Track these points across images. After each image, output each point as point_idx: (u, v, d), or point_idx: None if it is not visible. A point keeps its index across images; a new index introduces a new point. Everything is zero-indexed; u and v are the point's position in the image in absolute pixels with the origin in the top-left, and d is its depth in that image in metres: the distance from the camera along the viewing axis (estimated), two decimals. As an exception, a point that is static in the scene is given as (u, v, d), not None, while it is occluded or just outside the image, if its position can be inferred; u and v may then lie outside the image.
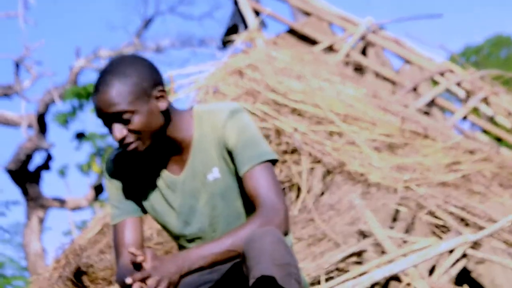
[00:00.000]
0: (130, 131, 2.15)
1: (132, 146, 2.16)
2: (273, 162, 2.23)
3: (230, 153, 2.22)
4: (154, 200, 2.31)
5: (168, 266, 2.04)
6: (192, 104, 2.35)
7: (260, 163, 2.18)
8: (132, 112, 2.13)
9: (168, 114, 2.20)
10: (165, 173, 2.27)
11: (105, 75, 2.14)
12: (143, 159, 2.28)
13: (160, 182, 2.29)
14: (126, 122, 2.14)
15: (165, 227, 2.36)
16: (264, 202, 2.14)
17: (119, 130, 2.15)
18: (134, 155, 2.27)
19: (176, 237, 2.34)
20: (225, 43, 5.77)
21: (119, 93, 2.12)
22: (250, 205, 2.22)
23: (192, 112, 2.26)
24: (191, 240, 2.31)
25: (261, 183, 2.16)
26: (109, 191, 2.32)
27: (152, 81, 2.16)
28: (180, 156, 2.26)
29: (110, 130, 2.18)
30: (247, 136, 2.20)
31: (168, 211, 2.30)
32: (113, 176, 2.31)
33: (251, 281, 1.96)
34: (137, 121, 2.14)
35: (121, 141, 2.16)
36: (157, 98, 2.17)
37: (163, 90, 2.18)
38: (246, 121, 2.22)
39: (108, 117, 2.15)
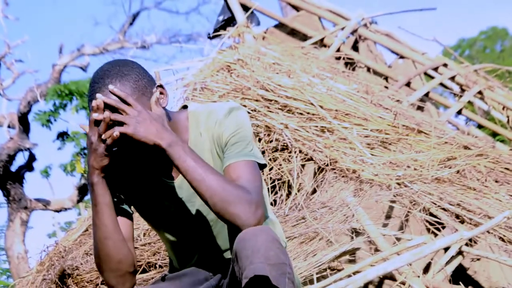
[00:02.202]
0: None
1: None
2: (261, 167, 2.16)
3: (222, 150, 2.16)
4: (146, 205, 2.24)
5: (155, 124, 2.00)
6: (183, 104, 2.26)
7: (246, 160, 2.10)
8: None
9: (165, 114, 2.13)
10: (159, 177, 2.20)
11: (102, 79, 2.05)
12: (136, 162, 2.19)
13: (153, 187, 2.21)
14: None
15: (159, 232, 2.30)
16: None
17: None
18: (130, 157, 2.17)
19: (171, 242, 2.27)
20: (214, 37, 5.67)
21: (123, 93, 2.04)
22: None
23: (187, 114, 2.20)
24: (187, 244, 2.25)
25: (240, 175, 2.09)
26: None
27: (149, 79, 2.11)
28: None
29: None
30: (241, 133, 2.14)
31: (162, 216, 2.24)
32: None
33: (244, 281, 1.90)
34: None
35: None
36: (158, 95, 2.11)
37: (161, 86, 2.13)
38: (243, 119, 2.16)
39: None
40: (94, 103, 2.01)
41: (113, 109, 2.02)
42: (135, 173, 2.21)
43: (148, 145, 2.02)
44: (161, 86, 2.13)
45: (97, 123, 2.02)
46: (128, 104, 2.02)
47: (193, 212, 2.20)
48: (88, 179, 2.09)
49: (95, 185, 2.07)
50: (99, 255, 2.12)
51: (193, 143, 2.17)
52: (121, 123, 2.01)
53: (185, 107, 2.25)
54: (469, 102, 6.13)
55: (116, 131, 1.99)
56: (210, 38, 5.51)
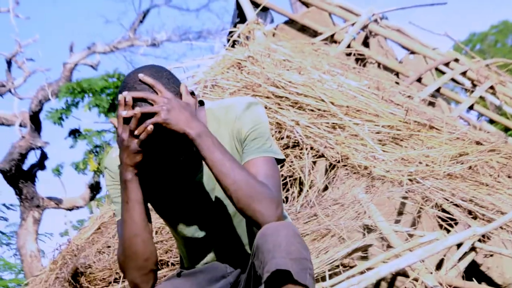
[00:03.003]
0: None
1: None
2: (279, 162, 2.16)
3: (241, 145, 2.16)
4: (163, 200, 2.24)
5: (184, 112, 2.00)
6: (199, 100, 2.25)
7: (265, 156, 2.11)
8: None
9: None
10: (177, 173, 2.19)
11: (143, 88, 2.02)
12: (156, 157, 2.17)
13: (171, 182, 2.21)
14: None
15: (174, 228, 2.29)
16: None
17: None
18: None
19: (186, 238, 2.27)
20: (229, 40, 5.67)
21: None
22: None
23: (204, 110, 2.20)
24: (203, 240, 2.25)
25: (260, 171, 2.07)
26: (112, 188, 2.24)
27: (179, 82, 2.10)
28: (193, 155, 2.17)
29: None
30: (260, 129, 2.14)
31: (180, 211, 2.24)
32: (116, 174, 2.21)
33: (266, 276, 1.89)
34: None
35: None
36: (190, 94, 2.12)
37: (192, 93, 2.14)
38: (261, 114, 2.17)
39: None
40: (121, 99, 2.00)
41: (142, 101, 2.01)
42: (152, 169, 2.21)
43: (178, 134, 2.01)
44: (192, 93, 2.14)
45: (126, 120, 2.01)
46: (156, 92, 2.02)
47: (211, 207, 2.20)
48: (121, 176, 2.08)
49: (129, 182, 2.07)
50: (126, 253, 2.11)
51: None
52: (152, 114, 2.00)
53: (201, 103, 2.25)
54: (481, 97, 6.10)
55: (149, 125, 1.98)
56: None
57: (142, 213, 2.09)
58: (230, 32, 5.66)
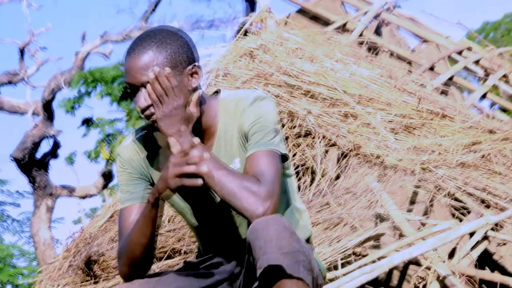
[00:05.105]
0: None
1: (153, 118, 2.11)
2: (283, 158, 2.14)
3: (246, 140, 2.15)
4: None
5: (180, 126, 2.08)
6: (217, 89, 2.25)
7: (264, 150, 2.10)
8: None
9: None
10: None
11: (144, 40, 2.10)
12: (163, 145, 2.19)
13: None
14: None
15: (183, 217, 2.31)
16: (257, 177, 2.06)
17: (145, 98, 2.10)
18: (154, 134, 2.20)
19: (195, 228, 2.29)
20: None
21: (153, 59, 2.07)
22: None
23: (217, 101, 2.20)
24: (210, 231, 2.26)
25: (255, 166, 2.07)
26: (120, 175, 2.25)
27: (189, 56, 2.11)
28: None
29: (136, 98, 2.13)
30: (261, 123, 2.13)
31: (187, 202, 2.24)
32: (127, 161, 2.23)
33: (259, 272, 1.90)
34: None
35: (143, 110, 2.12)
36: (190, 74, 2.11)
37: (198, 67, 2.13)
38: (266, 109, 2.15)
39: (137, 83, 2.10)
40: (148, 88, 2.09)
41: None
42: (160, 156, 2.22)
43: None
44: (197, 66, 2.13)
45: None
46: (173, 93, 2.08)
47: (217, 200, 2.20)
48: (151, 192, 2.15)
49: (151, 204, 2.12)
50: (125, 250, 2.18)
51: (222, 131, 2.17)
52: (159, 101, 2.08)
53: (219, 90, 2.25)
54: (494, 86, 6.07)
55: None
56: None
57: (151, 229, 2.15)
58: (242, 21, 5.65)
